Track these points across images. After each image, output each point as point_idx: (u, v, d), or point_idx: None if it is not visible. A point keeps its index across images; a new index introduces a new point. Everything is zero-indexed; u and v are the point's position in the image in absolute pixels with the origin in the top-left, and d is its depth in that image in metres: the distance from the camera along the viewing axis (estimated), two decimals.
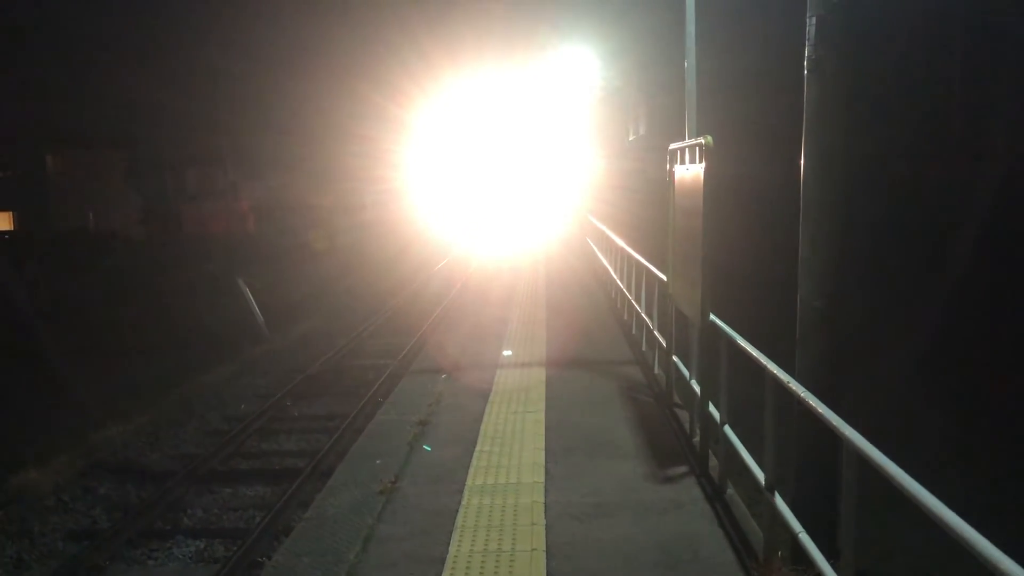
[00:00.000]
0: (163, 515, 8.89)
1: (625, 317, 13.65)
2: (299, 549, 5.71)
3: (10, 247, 32.92)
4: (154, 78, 33.89)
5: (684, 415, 8.23)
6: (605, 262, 18.28)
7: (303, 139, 42.15)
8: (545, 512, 6.02)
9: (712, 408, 6.79)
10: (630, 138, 33.77)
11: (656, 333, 10.04)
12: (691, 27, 9.43)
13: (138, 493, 9.65)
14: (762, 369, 5.36)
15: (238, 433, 11.25)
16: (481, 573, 5.12)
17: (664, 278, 9.23)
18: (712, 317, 6.87)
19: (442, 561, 5.32)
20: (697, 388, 7.39)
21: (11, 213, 38.45)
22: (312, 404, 13.01)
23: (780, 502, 4.99)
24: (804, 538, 4.54)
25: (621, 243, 14.66)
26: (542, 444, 7.57)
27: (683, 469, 6.89)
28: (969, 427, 10.17)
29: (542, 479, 6.69)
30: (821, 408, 4.41)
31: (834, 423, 4.13)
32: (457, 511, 6.10)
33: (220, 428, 11.99)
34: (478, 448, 7.52)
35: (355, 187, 45.03)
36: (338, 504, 6.41)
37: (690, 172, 7.33)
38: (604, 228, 19.49)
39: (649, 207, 21.88)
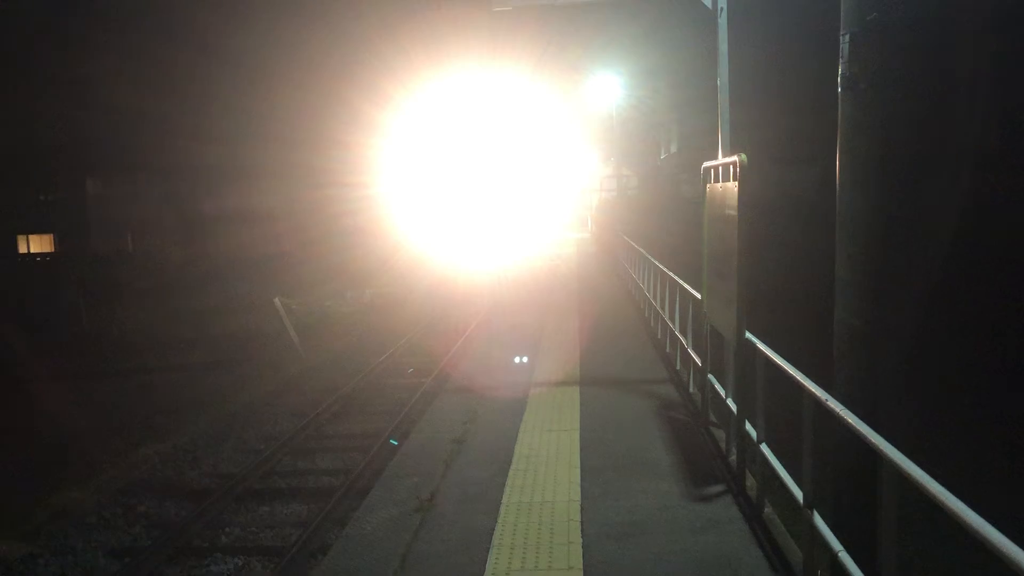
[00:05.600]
0: (201, 533, 8.98)
1: (659, 336, 13.61)
2: (337, 567, 5.75)
3: (50, 269, 33.60)
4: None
5: (720, 434, 8.19)
6: (635, 278, 18.24)
7: (332, 154, 42.32)
8: (581, 531, 6.02)
9: (748, 426, 6.76)
10: (662, 156, 33.74)
11: (691, 351, 10.01)
12: (724, 46, 9.47)
13: (177, 511, 9.76)
14: (799, 387, 5.33)
15: (274, 452, 11.35)
16: None
17: (699, 296, 9.22)
18: (748, 335, 6.85)
19: None
20: (733, 406, 7.35)
21: (52, 235, 39.27)
22: (347, 423, 13.08)
23: (819, 520, 4.95)
24: (844, 557, 4.49)
25: (654, 260, 14.64)
26: (577, 463, 7.57)
27: (720, 488, 6.86)
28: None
29: (578, 498, 6.69)
30: (860, 426, 4.37)
31: (873, 441, 4.09)
32: (493, 529, 6.12)
33: (256, 447, 12.09)
34: (513, 466, 7.54)
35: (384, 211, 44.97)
36: (375, 522, 6.45)
37: (724, 190, 7.33)
38: (635, 245, 19.47)
39: (683, 224, 21.84)
